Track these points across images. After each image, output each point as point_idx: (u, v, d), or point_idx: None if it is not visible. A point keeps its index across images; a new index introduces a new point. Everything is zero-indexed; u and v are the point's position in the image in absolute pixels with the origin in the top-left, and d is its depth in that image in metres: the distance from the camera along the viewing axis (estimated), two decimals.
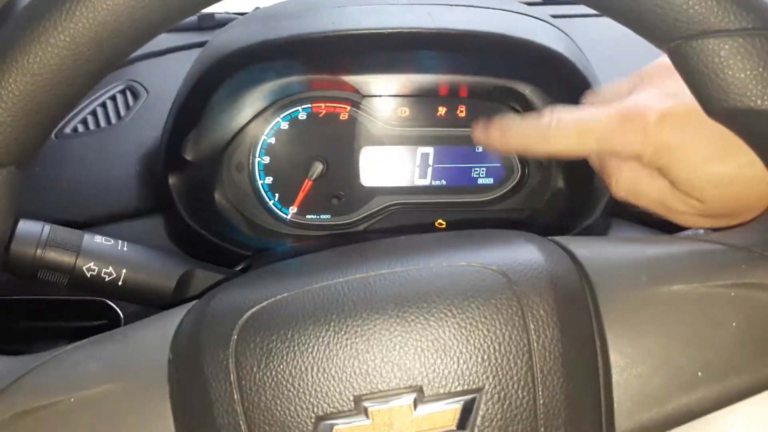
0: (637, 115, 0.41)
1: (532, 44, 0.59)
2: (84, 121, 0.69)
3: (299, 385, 0.31)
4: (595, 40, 0.67)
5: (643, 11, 0.32)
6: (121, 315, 0.62)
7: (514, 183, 0.69)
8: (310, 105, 0.67)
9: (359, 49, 0.62)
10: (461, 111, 0.68)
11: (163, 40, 0.77)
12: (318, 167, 0.68)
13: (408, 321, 0.31)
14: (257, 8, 0.68)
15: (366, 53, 0.64)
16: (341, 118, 0.68)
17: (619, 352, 0.32)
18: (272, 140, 0.68)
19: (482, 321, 0.31)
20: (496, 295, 0.32)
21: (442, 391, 0.31)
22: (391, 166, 0.69)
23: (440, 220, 0.70)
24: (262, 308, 0.32)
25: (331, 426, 0.31)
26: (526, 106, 0.66)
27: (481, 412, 0.31)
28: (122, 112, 0.70)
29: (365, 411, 0.31)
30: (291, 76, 0.65)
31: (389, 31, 0.58)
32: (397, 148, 0.69)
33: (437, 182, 0.70)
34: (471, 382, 0.31)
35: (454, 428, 0.31)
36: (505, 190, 0.70)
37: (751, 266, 0.33)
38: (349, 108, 0.68)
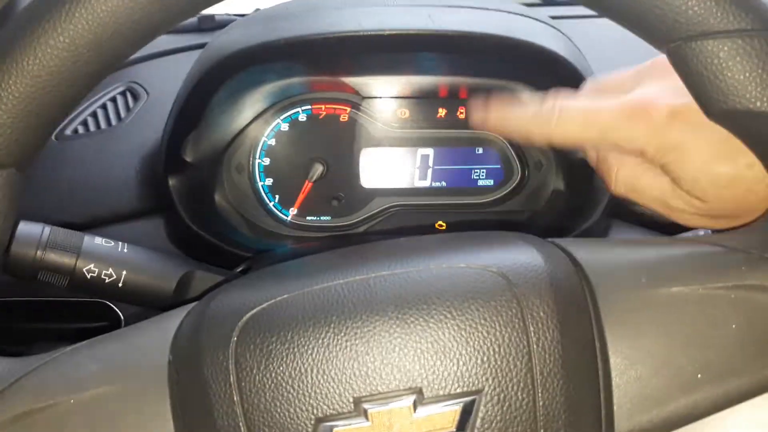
0: (646, 110, 0.40)
1: (531, 46, 0.59)
2: (84, 123, 0.69)
3: (299, 386, 0.31)
4: (594, 42, 0.67)
5: (642, 12, 0.32)
6: (122, 316, 0.62)
7: (514, 184, 0.69)
8: (310, 106, 0.67)
9: (359, 50, 0.62)
10: (461, 112, 0.68)
11: (163, 41, 0.77)
12: (318, 169, 0.68)
13: (408, 323, 0.31)
14: (257, 10, 0.68)
15: (366, 55, 0.64)
16: (341, 119, 0.68)
17: (618, 354, 0.32)
18: (272, 142, 0.68)
19: (482, 323, 0.31)
20: (495, 297, 0.32)
21: (441, 392, 0.31)
22: (391, 167, 0.69)
23: (440, 222, 0.70)
24: (262, 310, 0.32)
25: (331, 428, 0.30)
26: None
27: (480, 414, 0.31)
28: (122, 113, 0.70)
29: (365, 413, 0.31)
30: (291, 78, 0.65)
31: (389, 32, 0.58)
32: (397, 149, 0.69)
33: (437, 184, 0.70)
34: (471, 384, 0.31)
35: (454, 430, 0.31)
36: (505, 192, 0.70)
37: (751, 268, 0.33)
38: (349, 109, 0.68)
